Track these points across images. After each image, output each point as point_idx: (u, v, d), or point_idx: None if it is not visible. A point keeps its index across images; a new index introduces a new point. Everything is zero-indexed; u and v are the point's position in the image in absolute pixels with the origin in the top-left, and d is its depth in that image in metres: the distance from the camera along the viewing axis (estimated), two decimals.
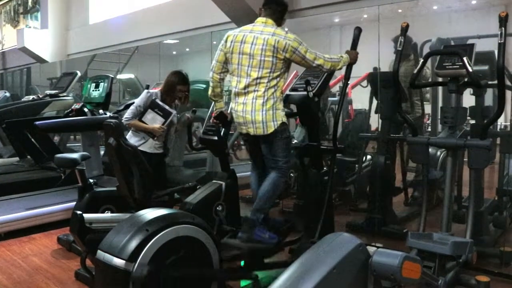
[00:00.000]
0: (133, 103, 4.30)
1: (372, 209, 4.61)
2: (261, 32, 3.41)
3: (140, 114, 4.09)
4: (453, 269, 2.83)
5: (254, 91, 3.39)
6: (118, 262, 2.50)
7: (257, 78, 3.38)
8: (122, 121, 4.21)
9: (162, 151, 4.23)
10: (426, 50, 4.65)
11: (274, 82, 3.39)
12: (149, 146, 4.14)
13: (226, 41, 3.56)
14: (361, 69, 5.09)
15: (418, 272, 2.19)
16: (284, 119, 3.46)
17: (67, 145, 7.77)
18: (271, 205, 3.72)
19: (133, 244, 2.52)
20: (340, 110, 3.68)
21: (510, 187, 4.57)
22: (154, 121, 4.10)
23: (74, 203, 4.40)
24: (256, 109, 3.38)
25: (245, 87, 3.43)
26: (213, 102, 3.90)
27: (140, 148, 3.98)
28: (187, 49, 9.20)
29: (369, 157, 5.47)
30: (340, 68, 3.55)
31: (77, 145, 7.54)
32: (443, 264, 2.78)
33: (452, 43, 4.06)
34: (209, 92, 3.73)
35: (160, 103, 4.13)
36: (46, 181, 5.95)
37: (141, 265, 2.49)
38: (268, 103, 3.37)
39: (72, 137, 8.68)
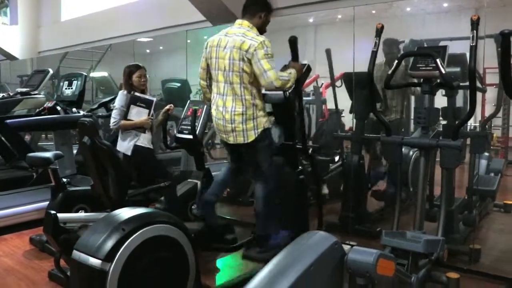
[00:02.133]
0: (108, 101, 4.28)
1: (346, 208, 4.66)
2: (234, 34, 3.37)
3: (124, 114, 4.09)
4: (425, 266, 2.89)
5: (232, 97, 3.35)
6: (94, 262, 2.49)
7: (232, 83, 3.34)
8: (110, 126, 4.20)
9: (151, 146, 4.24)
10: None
11: (251, 87, 3.35)
12: (144, 139, 4.14)
13: (206, 48, 3.53)
14: (336, 69, 5.16)
15: (392, 269, 2.24)
16: (266, 125, 3.43)
17: (39, 144, 7.64)
18: (274, 215, 3.61)
19: (109, 243, 2.51)
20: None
21: (479, 187, 4.68)
22: (139, 114, 4.10)
23: (47, 203, 4.35)
24: (236, 119, 3.34)
25: (222, 93, 3.40)
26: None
27: (138, 143, 3.99)
28: (161, 48, 9.14)
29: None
30: (290, 87, 3.41)
31: (49, 144, 7.42)
32: (416, 261, 2.83)
33: (425, 45, 4.12)
34: (203, 97, 3.79)
35: (140, 95, 4.14)
36: (17, 180, 5.82)
37: (118, 264, 2.49)
38: (248, 112, 3.34)
39: (43, 135, 8.53)
